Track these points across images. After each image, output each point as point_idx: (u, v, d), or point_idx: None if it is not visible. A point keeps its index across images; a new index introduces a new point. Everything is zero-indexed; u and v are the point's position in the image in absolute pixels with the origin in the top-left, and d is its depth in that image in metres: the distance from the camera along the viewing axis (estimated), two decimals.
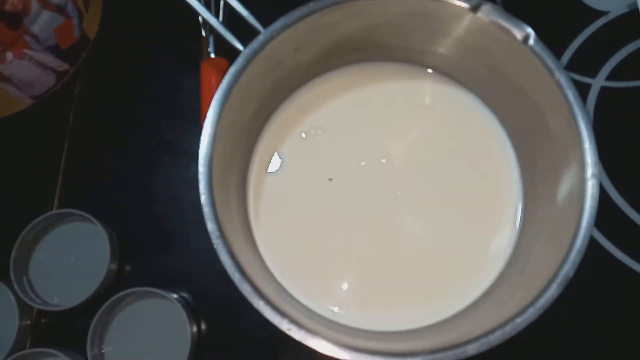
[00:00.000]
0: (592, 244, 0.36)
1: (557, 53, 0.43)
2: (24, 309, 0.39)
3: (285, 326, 0.26)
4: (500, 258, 0.33)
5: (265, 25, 0.31)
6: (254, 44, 0.30)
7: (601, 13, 0.43)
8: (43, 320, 0.40)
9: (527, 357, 0.37)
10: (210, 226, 0.27)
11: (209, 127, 0.29)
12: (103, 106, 0.45)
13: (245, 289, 0.26)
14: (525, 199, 0.34)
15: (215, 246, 0.27)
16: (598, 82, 0.42)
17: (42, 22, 0.38)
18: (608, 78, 0.42)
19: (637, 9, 0.41)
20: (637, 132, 0.41)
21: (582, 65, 0.42)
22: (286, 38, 0.31)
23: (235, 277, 0.26)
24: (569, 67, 0.42)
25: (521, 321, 0.26)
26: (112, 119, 0.44)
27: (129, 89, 0.45)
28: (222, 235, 0.27)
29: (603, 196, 0.39)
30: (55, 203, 0.43)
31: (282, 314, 0.26)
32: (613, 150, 0.40)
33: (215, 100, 0.29)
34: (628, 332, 0.38)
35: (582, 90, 0.42)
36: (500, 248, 0.33)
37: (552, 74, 0.29)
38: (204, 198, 0.28)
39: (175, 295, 0.38)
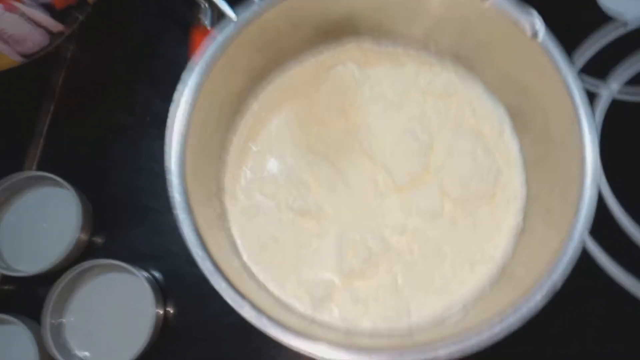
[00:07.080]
0: (589, 260, 0.35)
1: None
2: None
3: (246, 312, 0.24)
4: (497, 258, 0.31)
5: None
6: (246, 13, 0.29)
7: (620, 23, 0.41)
8: (6, 287, 0.39)
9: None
10: (177, 197, 0.25)
11: (189, 88, 0.27)
12: (94, 74, 0.43)
13: (207, 268, 0.25)
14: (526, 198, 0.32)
15: (179, 222, 0.25)
16: (610, 93, 0.40)
17: None
18: (620, 90, 0.40)
19: None
20: None
21: (593, 73, 0.40)
22: (282, 11, 0.30)
23: (198, 254, 0.25)
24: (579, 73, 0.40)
25: (500, 330, 0.24)
26: (102, 88, 0.43)
27: (124, 58, 0.44)
28: (189, 209, 0.25)
29: (604, 211, 0.37)
30: (34, 167, 0.41)
31: (244, 298, 0.24)
32: (621, 164, 0.37)
33: (199, 64, 0.28)
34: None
35: (590, 99, 0.39)
36: (498, 247, 0.31)
37: (559, 71, 0.27)
38: (172, 165, 0.26)
39: (145, 273, 0.36)
